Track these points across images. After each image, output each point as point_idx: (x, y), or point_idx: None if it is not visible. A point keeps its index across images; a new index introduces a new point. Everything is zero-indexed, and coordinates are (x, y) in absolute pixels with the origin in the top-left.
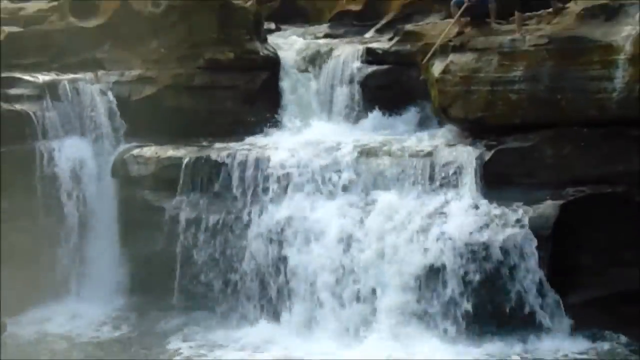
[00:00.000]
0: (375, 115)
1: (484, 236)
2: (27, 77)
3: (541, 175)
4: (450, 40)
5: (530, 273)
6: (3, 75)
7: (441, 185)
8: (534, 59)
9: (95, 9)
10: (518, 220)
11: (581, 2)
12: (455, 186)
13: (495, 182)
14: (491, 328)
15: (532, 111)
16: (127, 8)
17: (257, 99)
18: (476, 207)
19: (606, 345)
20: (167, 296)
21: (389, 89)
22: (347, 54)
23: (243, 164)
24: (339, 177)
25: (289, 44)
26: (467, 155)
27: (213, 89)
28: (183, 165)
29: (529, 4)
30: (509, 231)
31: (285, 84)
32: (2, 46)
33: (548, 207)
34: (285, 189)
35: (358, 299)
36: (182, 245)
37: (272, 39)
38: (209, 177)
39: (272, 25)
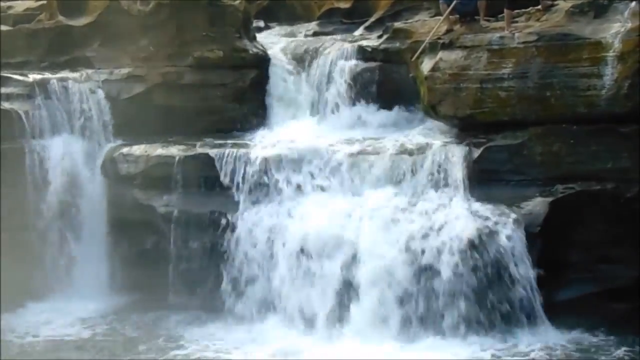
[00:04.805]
0: (364, 112)
1: (473, 234)
2: (16, 76)
3: (530, 172)
4: (439, 38)
5: (520, 270)
6: None
7: (430, 183)
8: (523, 56)
9: (84, 7)
10: (507, 218)
11: None
12: (445, 184)
13: (484, 179)
14: (481, 324)
15: (521, 108)
16: (115, 6)
17: (247, 96)
18: (465, 204)
19: (596, 342)
20: (159, 294)
21: (378, 86)
22: (336, 52)
23: (232, 162)
24: (329, 176)
25: (278, 42)
26: (456, 153)
27: (202, 87)
28: (175, 164)
29: (517, 2)
30: (499, 228)
31: (274, 82)
32: None
33: (537, 204)
34: (274, 188)
35: (351, 298)
36: (173, 243)
37: (260, 37)
38: (198, 175)
39: (261, 23)
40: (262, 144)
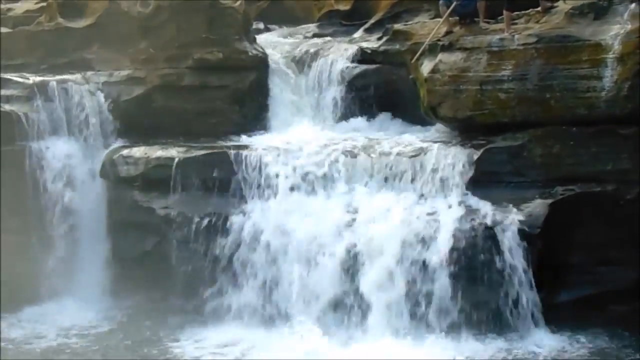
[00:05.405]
0: (363, 114)
1: (473, 235)
2: (16, 78)
3: (530, 174)
4: (439, 40)
5: (520, 272)
6: None
7: (430, 185)
8: (522, 58)
9: (83, 9)
10: (507, 220)
11: (570, 1)
12: (445, 185)
13: (484, 181)
14: (480, 326)
15: (521, 110)
16: (115, 8)
17: (246, 98)
18: (465, 206)
19: (596, 344)
20: (159, 296)
21: (377, 88)
22: (336, 54)
23: (232, 164)
24: (330, 177)
25: (277, 44)
26: (456, 155)
27: (202, 89)
28: (174, 165)
29: (517, 3)
30: (499, 230)
31: (274, 84)
32: None
33: (537, 206)
34: (274, 189)
35: (351, 298)
36: (173, 245)
37: (260, 38)
38: (198, 177)
39: (261, 25)
40: (261, 146)
